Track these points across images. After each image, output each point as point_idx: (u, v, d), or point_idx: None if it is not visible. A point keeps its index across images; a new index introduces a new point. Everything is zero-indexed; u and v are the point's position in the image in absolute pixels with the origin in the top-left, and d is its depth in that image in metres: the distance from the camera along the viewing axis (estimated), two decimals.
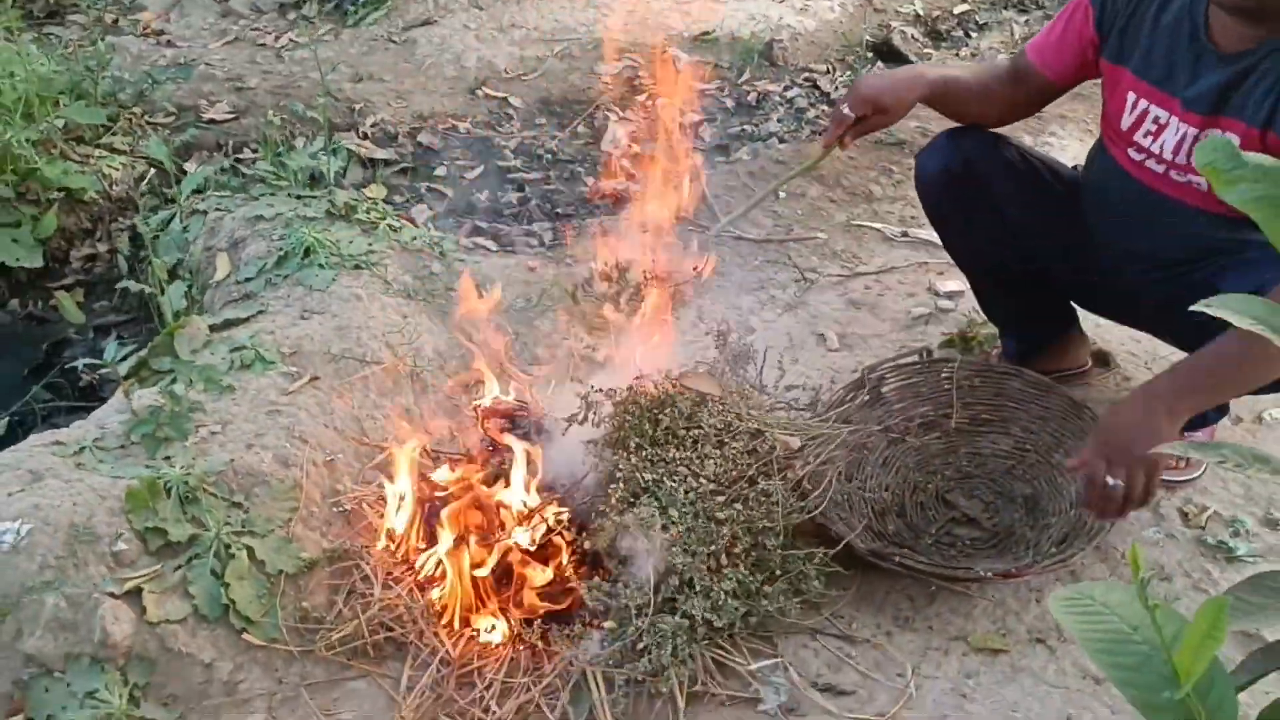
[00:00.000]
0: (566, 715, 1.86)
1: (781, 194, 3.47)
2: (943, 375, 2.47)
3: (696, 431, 2.11)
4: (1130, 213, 2.20)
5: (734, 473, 2.08)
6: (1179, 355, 2.50)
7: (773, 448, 2.14)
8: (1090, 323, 2.68)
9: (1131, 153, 2.15)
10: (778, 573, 2.03)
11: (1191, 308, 1.02)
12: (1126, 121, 2.13)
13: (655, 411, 2.10)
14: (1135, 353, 2.80)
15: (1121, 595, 0.99)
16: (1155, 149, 2.10)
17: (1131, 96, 2.11)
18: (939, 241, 3.20)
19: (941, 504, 2.34)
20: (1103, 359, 2.76)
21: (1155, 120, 2.09)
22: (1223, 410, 2.36)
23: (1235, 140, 1.97)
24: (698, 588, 1.93)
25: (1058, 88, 2.30)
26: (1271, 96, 1.92)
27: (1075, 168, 2.43)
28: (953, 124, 2.43)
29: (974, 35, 4.86)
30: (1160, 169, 2.10)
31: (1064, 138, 3.83)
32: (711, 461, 2.06)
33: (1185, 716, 0.90)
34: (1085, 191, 2.34)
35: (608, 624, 1.91)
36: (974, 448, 2.42)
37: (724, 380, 2.25)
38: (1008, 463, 2.38)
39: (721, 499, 2.02)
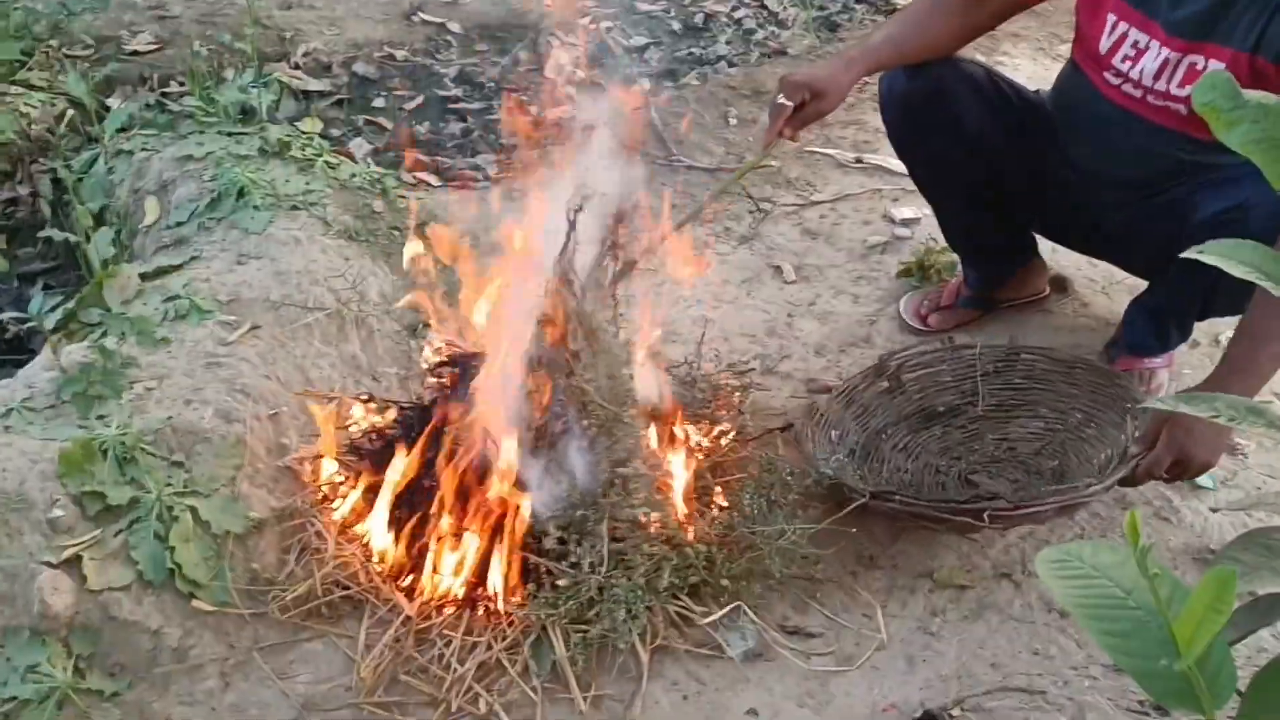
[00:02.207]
0: (529, 670, 1.82)
1: (733, 121, 3.39)
2: (966, 362, 2.36)
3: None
4: (1102, 134, 2.16)
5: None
6: (1135, 281, 2.49)
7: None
8: (1046, 249, 2.66)
9: (1108, 76, 2.10)
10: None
11: (1182, 254, 0.97)
12: (1105, 44, 2.08)
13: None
14: (1093, 278, 2.78)
15: (1111, 557, 0.96)
16: (1134, 74, 2.05)
17: (1111, 19, 2.06)
18: (892, 168, 3.18)
19: (965, 485, 2.22)
20: (1060, 285, 2.74)
21: (1134, 44, 2.03)
22: (1185, 335, 2.34)
23: (1220, 69, 1.93)
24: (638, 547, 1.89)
25: (1023, 6, 2.25)
26: (1262, 19, 1.88)
27: (1038, 92, 2.38)
28: None
29: None
30: (1138, 94, 2.06)
31: (1016, 57, 3.77)
32: None
33: (1182, 684, 0.87)
34: (1057, 112, 2.29)
35: (560, 582, 1.86)
36: (1002, 433, 2.30)
37: None
38: (1036, 444, 2.26)
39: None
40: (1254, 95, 0.86)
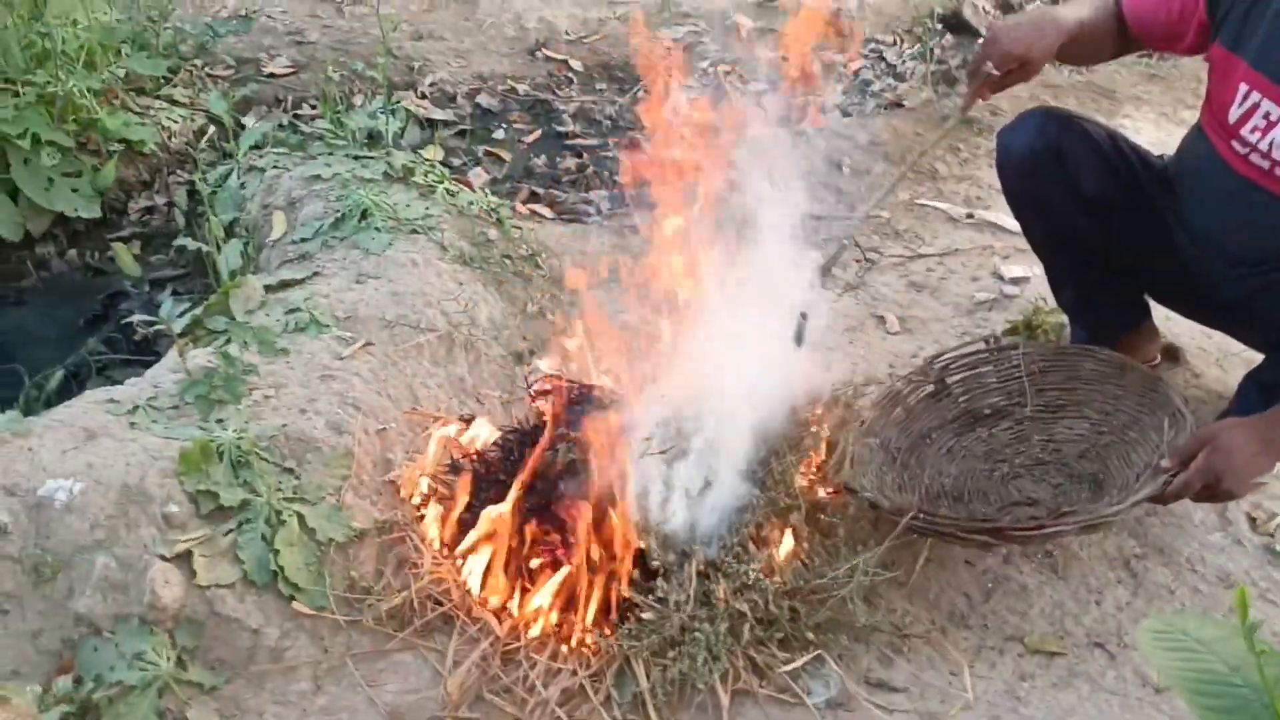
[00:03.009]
0: (611, 699, 1.84)
1: (846, 170, 3.40)
2: (1012, 363, 2.35)
3: None
4: (1225, 204, 2.12)
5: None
6: (1250, 354, 2.43)
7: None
8: (1160, 316, 2.61)
9: (1235, 145, 2.07)
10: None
11: None
12: (1235, 114, 2.05)
13: None
14: (1206, 348, 2.72)
15: (1216, 631, 0.94)
16: (1262, 145, 2.02)
17: (1244, 88, 2.03)
18: (1004, 224, 3.16)
19: (1005, 489, 2.23)
20: (1172, 354, 2.68)
21: (1266, 115, 2.00)
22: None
23: None
24: (733, 581, 1.91)
25: (1144, 47, 2.22)
26: None
27: (1161, 157, 2.35)
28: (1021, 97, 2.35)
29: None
30: (1265, 164, 2.03)
31: (1139, 120, 3.73)
32: None
33: None
34: (1179, 178, 2.26)
35: (645, 615, 1.88)
36: (1048, 434, 2.29)
37: None
38: (1082, 445, 2.25)
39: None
40: None
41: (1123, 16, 2.17)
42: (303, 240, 2.68)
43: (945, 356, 2.38)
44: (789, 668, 1.89)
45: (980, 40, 2.07)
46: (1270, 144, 2.02)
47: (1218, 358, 2.69)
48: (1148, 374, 2.23)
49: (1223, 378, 2.62)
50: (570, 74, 3.98)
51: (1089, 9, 2.18)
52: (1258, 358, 2.36)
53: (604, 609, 1.93)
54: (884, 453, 2.23)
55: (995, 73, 2.04)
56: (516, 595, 1.95)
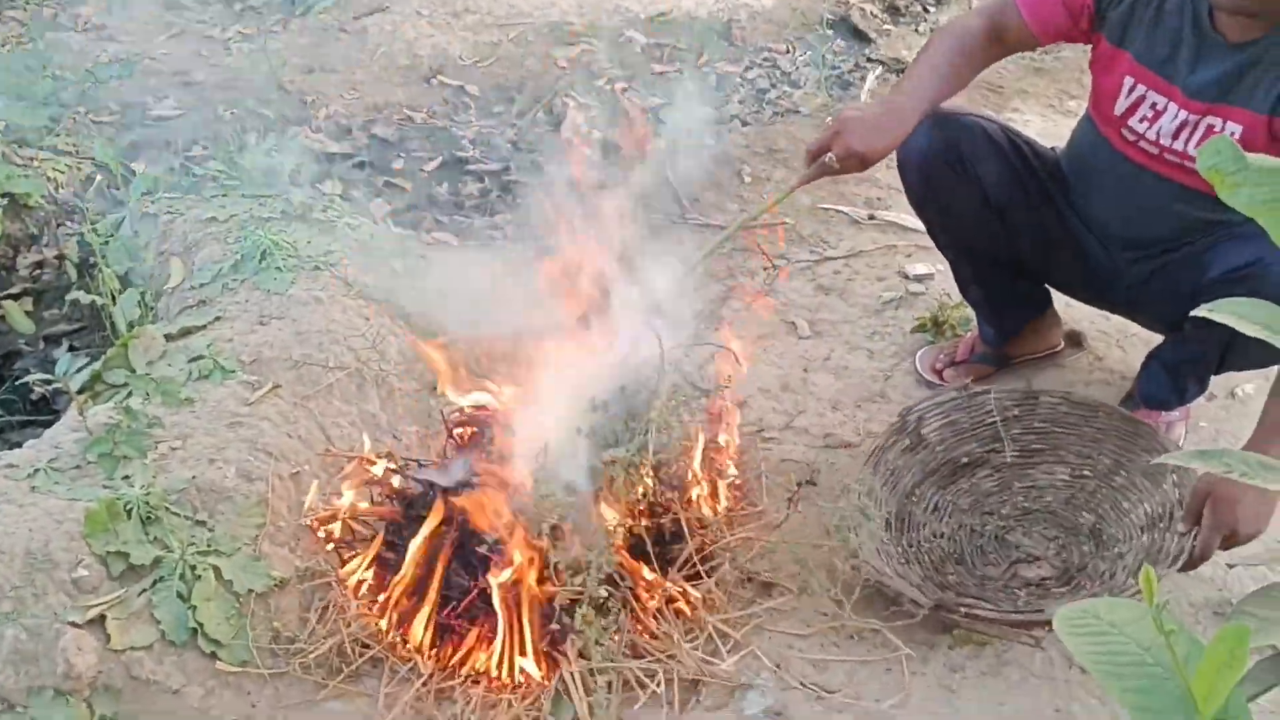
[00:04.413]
0: None
1: (747, 179, 3.43)
2: (984, 409, 2.36)
3: None
4: (1118, 190, 2.18)
5: None
6: (1149, 334, 2.50)
7: None
8: (1060, 303, 2.67)
9: (1125, 133, 2.12)
10: None
11: (1193, 313, 0.99)
12: (1121, 106, 2.10)
13: None
14: (1106, 330, 2.79)
15: (1128, 613, 0.96)
16: (1150, 134, 2.08)
17: (1129, 81, 2.08)
18: (905, 224, 3.21)
19: (1003, 545, 2.23)
20: (1074, 339, 2.75)
21: (1153, 106, 2.06)
22: (1202, 388, 2.35)
23: (1238, 130, 1.96)
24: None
25: (1039, 45, 2.24)
26: None
27: (1053, 148, 2.40)
28: None
29: (931, 10, 4.82)
30: (1154, 151, 2.09)
31: (1025, 113, 3.81)
32: None
33: None
34: (1071, 168, 2.31)
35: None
36: (1029, 481, 2.31)
37: None
38: (1066, 492, 2.27)
39: None
40: (1256, 159, 0.88)
41: (1007, 28, 2.15)
42: (202, 285, 2.61)
43: (918, 406, 2.37)
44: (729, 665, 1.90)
45: (830, 122, 2.00)
46: (1157, 132, 2.08)
47: (1118, 339, 2.76)
48: (1124, 415, 2.24)
49: (1125, 358, 2.69)
50: (467, 98, 3.95)
51: (942, 68, 2.14)
52: (1156, 338, 2.43)
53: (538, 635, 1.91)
54: (876, 517, 2.21)
55: (835, 166, 2.00)
56: (445, 633, 1.92)
